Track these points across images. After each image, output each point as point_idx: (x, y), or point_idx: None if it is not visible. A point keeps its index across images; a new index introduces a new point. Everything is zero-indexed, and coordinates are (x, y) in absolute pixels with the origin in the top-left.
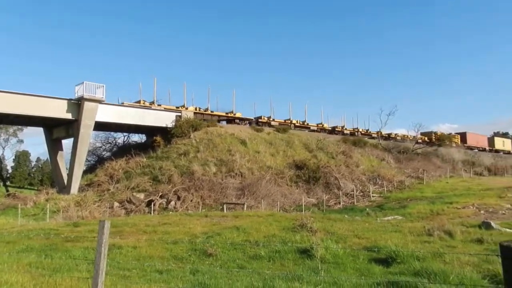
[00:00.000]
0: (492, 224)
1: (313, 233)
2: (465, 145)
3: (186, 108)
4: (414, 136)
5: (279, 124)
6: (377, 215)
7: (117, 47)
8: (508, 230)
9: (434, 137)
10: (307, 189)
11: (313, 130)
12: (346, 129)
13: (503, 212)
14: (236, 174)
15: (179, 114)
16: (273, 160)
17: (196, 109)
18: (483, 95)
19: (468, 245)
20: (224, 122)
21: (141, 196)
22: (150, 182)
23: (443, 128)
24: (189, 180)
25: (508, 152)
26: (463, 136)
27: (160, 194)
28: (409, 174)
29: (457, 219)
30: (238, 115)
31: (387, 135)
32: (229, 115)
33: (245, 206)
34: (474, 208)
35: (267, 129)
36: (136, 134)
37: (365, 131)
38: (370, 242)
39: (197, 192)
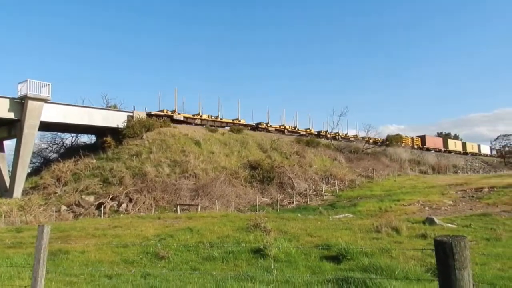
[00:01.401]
0: (435, 220)
1: (266, 232)
2: (424, 146)
3: (201, 116)
4: (363, 137)
5: (275, 129)
6: (329, 213)
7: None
8: (449, 225)
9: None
10: (261, 189)
11: (302, 135)
12: (299, 129)
13: (445, 208)
14: (190, 175)
15: (131, 114)
16: (228, 161)
17: (209, 116)
18: (426, 99)
19: (413, 240)
20: (227, 128)
21: (91, 198)
22: (100, 184)
23: (392, 129)
24: (142, 181)
25: (459, 152)
26: (422, 138)
27: (111, 196)
28: (360, 173)
29: (404, 216)
30: (242, 121)
31: (338, 135)
32: (235, 121)
33: (199, 207)
34: (419, 205)
35: (221, 130)
36: (85, 135)
37: (292, 127)
38: (322, 240)
39: (150, 194)
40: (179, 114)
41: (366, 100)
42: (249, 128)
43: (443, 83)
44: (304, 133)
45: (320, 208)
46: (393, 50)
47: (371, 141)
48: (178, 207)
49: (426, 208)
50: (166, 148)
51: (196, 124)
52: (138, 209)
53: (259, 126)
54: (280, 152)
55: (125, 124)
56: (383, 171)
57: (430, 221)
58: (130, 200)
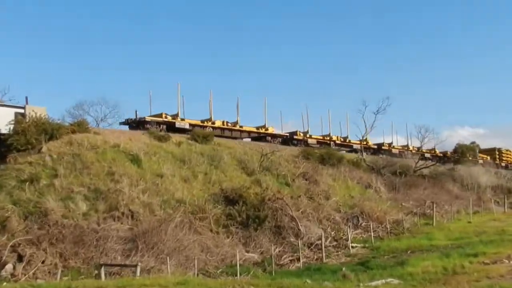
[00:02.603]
0: None
1: None
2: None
3: (213, 122)
4: (417, 149)
5: (317, 141)
6: (360, 278)
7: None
8: None
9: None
10: (245, 238)
11: (352, 148)
12: (310, 136)
13: None
14: (123, 214)
15: (22, 111)
16: (187, 189)
17: (223, 123)
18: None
19: None
20: (247, 139)
21: None
22: None
23: (463, 134)
24: (40, 226)
25: None
26: None
27: None
28: (410, 210)
29: (485, 281)
30: (270, 129)
31: (375, 146)
32: (260, 130)
33: (139, 269)
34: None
35: (177, 138)
36: None
37: (341, 139)
38: None
39: (53, 247)
40: (183, 120)
41: (418, 90)
42: (279, 140)
43: None
44: (359, 146)
45: (344, 269)
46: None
47: (428, 155)
48: (103, 269)
49: None
50: (82, 168)
51: None
52: (34, 273)
53: (295, 137)
54: (276, 175)
55: (12, 127)
56: (449, 205)
57: None
58: (20, 258)
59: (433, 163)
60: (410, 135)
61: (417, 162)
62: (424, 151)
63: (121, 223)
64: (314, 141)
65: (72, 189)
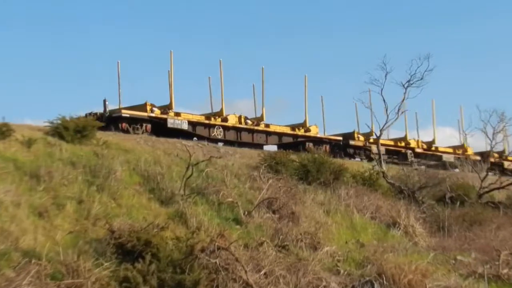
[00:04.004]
0: None
1: None
2: None
3: (225, 118)
4: (487, 153)
5: (385, 149)
6: None
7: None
8: None
9: None
10: None
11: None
12: (375, 140)
13: None
14: None
15: None
16: (45, 231)
17: (239, 119)
18: None
19: None
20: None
21: None
22: None
23: None
24: None
25: None
26: None
27: None
28: (472, 269)
29: None
30: (313, 130)
31: (403, 146)
32: (297, 129)
33: None
34: None
35: (25, 131)
36: None
37: (423, 145)
38: None
39: None
40: (178, 115)
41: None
42: (326, 147)
43: None
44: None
45: None
46: None
47: (449, 157)
48: None
49: None
50: None
51: (211, 139)
52: None
53: (351, 142)
54: (217, 203)
55: None
56: None
57: None
58: None
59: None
60: (469, 129)
61: (484, 178)
62: (401, 145)
63: None
64: (382, 149)
65: None
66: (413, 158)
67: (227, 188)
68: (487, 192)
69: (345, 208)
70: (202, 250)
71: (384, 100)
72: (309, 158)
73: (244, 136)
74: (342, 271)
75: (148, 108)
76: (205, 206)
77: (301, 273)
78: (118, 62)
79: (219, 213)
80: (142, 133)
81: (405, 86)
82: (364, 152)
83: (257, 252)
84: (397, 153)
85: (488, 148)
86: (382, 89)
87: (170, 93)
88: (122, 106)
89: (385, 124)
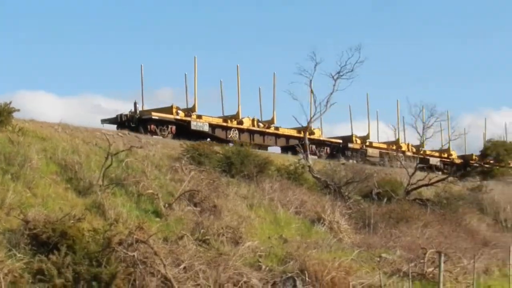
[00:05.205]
0: None
1: None
2: None
3: (241, 121)
4: (416, 147)
5: (379, 152)
6: None
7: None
8: None
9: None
10: None
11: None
12: (371, 144)
13: None
14: None
15: None
16: None
17: (253, 121)
18: None
19: None
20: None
21: None
22: None
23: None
24: None
25: None
26: None
27: None
28: (397, 267)
29: None
30: (317, 133)
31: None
32: (302, 134)
33: None
34: None
35: None
36: None
37: (413, 148)
38: None
39: None
40: (199, 117)
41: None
42: (327, 149)
43: None
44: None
45: None
46: None
47: (435, 160)
48: None
49: None
50: None
51: (227, 141)
52: None
53: (349, 144)
54: (137, 195)
55: None
56: (471, 258)
57: None
58: None
59: (443, 176)
60: (403, 124)
61: (412, 174)
62: (427, 153)
63: None
64: (376, 152)
65: None
66: (404, 161)
67: (148, 179)
68: (415, 188)
69: (269, 202)
70: (120, 243)
71: (312, 92)
72: (233, 150)
73: (256, 138)
74: (263, 267)
75: (174, 110)
76: (124, 198)
77: (221, 268)
78: (141, 66)
79: (139, 205)
80: (168, 134)
81: (335, 77)
82: (360, 154)
83: (176, 246)
84: (389, 156)
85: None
86: (311, 80)
87: (194, 96)
88: (144, 108)
89: (313, 116)
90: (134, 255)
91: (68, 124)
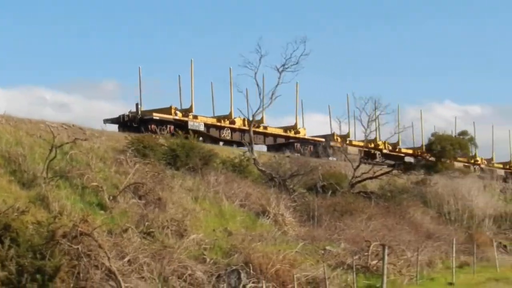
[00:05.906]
0: None
1: None
2: None
3: (233, 121)
4: (361, 143)
5: (358, 150)
6: None
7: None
8: None
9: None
10: None
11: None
12: (351, 142)
13: None
14: None
15: None
16: None
17: (244, 121)
18: None
19: None
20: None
21: None
22: None
23: (444, 113)
24: None
25: None
26: None
27: None
28: (341, 260)
29: None
30: (302, 132)
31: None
32: (289, 133)
33: None
34: None
35: None
36: None
37: (390, 147)
38: None
39: None
40: (195, 117)
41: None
42: (310, 147)
43: None
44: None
45: None
46: None
47: (379, 154)
48: None
49: None
50: None
51: (221, 140)
52: None
53: (331, 143)
54: (81, 187)
55: None
56: (415, 250)
57: None
58: None
59: (387, 169)
60: (351, 116)
61: (357, 167)
62: (371, 146)
63: None
64: (356, 150)
65: None
66: (381, 158)
67: (92, 171)
68: (359, 181)
69: (214, 195)
70: (64, 236)
71: (257, 84)
72: (178, 142)
73: (247, 137)
74: (208, 260)
75: (173, 111)
76: (69, 190)
77: (166, 261)
78: (139, 68)
79: (83, 197)
80: (167, 133)
81: (280, 70)
82: (341, 151)
83: (121, 238)
84: (368, 154)
85: (363, 136)
86: (256, 73)
87: (191, 97)
88: (143, 109)
89: (258, 109)
90: (78, 248)
91: (12, 116)
